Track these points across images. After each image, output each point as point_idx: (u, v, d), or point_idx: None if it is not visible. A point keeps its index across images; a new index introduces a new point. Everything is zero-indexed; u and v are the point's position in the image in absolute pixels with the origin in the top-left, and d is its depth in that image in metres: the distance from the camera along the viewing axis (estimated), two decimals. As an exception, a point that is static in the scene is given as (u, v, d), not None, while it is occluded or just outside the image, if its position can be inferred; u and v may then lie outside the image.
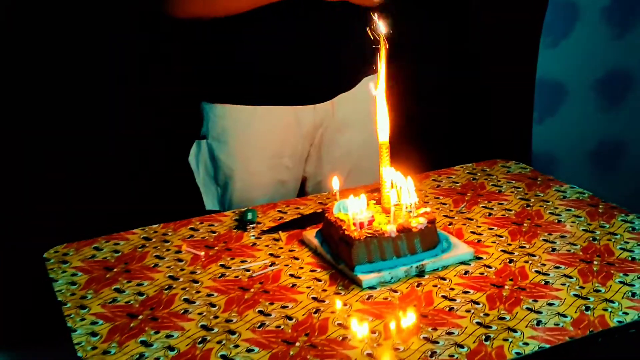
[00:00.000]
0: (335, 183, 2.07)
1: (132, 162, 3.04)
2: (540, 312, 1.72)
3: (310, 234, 2.10)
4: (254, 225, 2.19)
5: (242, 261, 2.01)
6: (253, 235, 2.14)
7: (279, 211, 2.30)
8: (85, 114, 2.92)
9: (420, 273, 1.91)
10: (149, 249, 2.08)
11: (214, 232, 2.17)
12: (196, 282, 1.91)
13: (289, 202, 2.36)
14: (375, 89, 1.91)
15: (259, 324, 1.71)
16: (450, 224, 2.18)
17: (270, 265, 1.97)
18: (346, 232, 1.90)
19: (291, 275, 1.93)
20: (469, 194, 2.38)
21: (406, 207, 1.94)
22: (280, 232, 2.16)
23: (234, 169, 2.26)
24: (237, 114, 2.23)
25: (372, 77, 1.85)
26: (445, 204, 2.31)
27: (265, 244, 2.09)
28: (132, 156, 3.03)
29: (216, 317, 1.75)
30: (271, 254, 2.03)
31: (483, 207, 2.28)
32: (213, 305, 1.80)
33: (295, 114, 2.25)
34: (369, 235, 1.88)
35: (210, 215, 2.28)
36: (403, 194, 1.96)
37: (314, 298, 1.82)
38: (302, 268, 1.96)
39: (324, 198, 2.38)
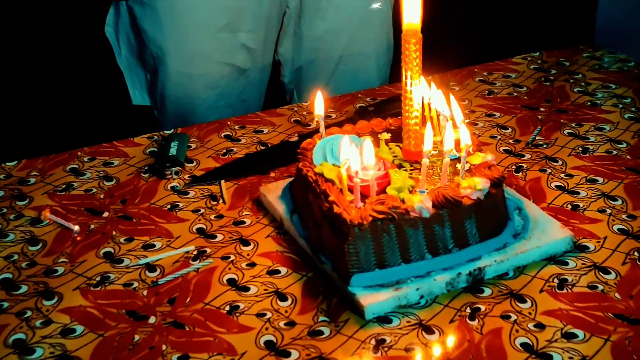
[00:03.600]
0: (318, 104, 1.12)
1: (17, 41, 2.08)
2: None
3: (273, 190, 1.18)
4: (179, 168, 1.26)
5: (146, 247, 1.09)
6: (176, 186, 1.22)
7: (227, 137, 1.37)
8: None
9: (475, 284, 1.00)
10: (-14, 215, 1.16)
11: (109, 180, 1.25)
12: (50, 296, 1.00)
13: (245, 118, 1.43)
14: None
15: (150, 420, 0.82)
16: (519, 168, 1.26)
17: (195, 258, 1.06)
18: (336, 209, 0.97)
19: (230, 283, 1.02)
20: (542, 109, 1.44)
21: (449, 154, 1.01)
22: (222, 181, 1.23)
23: (164, 47, 1.53)
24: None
25: None
26: (506, 129, 1.37)
27: (194, 208, 1.17)
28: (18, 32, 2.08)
29: (66, 396, 0.85)
30: (200, 231, 1.12)
31: (570, 134, 1.35)
32: (67, 363, 0.90)
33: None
34: (381, 214, 0.96)
35: (110, 144, 1.36)
36: (446, 131, 1.02)
37: (267, 346, 0.92)
38: (251, 266, 1.05)
39: (304, 113, 1.44)
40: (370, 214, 0.97)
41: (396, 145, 1.13)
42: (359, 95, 1.52)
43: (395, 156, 1.10)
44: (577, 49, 1.67)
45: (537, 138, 1.34)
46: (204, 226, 1.14)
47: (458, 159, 1.08)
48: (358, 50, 1.65)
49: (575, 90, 1.50)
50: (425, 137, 1.02)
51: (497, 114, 1.42)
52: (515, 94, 1.50)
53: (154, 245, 1.10)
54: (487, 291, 1.00)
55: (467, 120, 1.05)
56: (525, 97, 1.49)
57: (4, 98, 2.27)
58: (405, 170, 1.07)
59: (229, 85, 1.57)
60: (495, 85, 1.54)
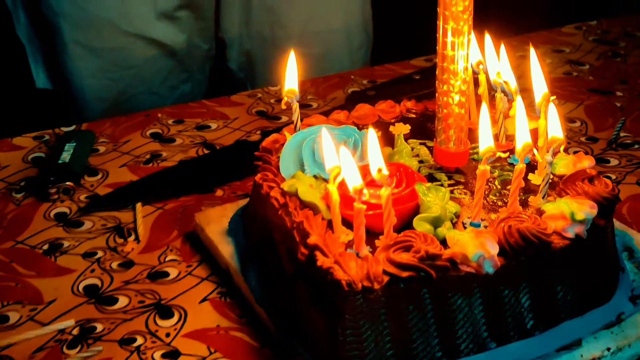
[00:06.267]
0: (290, 72, 0.67)
1: None
2: None
3: (217, 219, 0.72)
4: (70, 184, 0.80)
5: (-9, 322, 0.63)
6: (65, 213, 0.76)
7: (155, 136, 0.91)
8: None
9: (576, 393, 0.55)
10: None
11: (-42, 202, 0.79)
12: None
13: (185, 109, 0.98)
14: None
15: None
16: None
17: (74, 344, 0.60)
18: (321, 261, 0.51)
19: (130, 395, 0.56)
20: (619, 93, 0.99)
21: (525, 156, 0.55)
22: (139, 204, 0.77)
23: (57, 9, 1.14)
24: None
25: None
26: (573, 121, 0.93)
27: (88, 249, 0.72)
28: None
29: None
30: (90, 292, 0.66)
31: (666, 128, 0.91)
32: None
33: None
34: (405, 271, 0.50)
35: (-25, 147, 0.90)
36: (517, 115, 0.57)
37: None
38: (172, 357, 0.58)
39: (270, 101, 0.99)
40: (384, 269, 0.51)
41: (421, 144, 0.67)
42: (352, 77, 1.06)
43: (422, 161, 0.65)
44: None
45: (620, 135, 0.89)
46: (99, 282, 0.68)
47: (530, 167, 0.63)
48: (323, 27, 1.26)
49: (660, 67, 1.06)
50: (481, 126, 0.57)
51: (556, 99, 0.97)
52: (575, 73, 1.06)
53: (6, 319, 0.64)
54: (599, 409, 0.55)
55: (554, 97, 0.60)
56: (591, 78, 1.04)
57: None
58: (442, 185, 0.62)
59: (147, 65, 1.19)
60: (545, 62, 1.09)
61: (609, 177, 0.81)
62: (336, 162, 0.55)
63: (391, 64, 1.12)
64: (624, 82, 1.03)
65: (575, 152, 0.85)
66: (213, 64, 1.24)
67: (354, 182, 0.54)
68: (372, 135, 0.56)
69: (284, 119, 0.95)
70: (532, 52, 0.64)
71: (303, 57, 1.21)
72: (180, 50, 1.17)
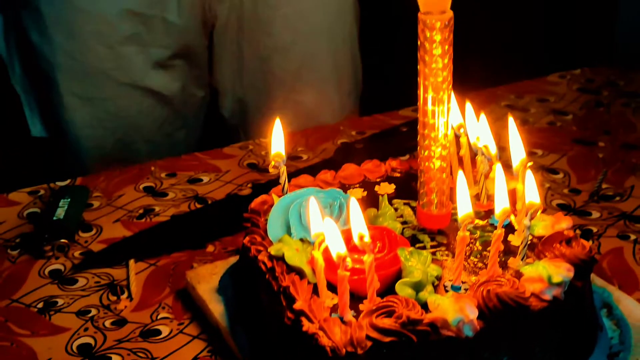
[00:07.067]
0: (276, 138, 0.69)
1: None
2: None
3: (207, 277, 0.74)
4: (64, 241, 0.82)
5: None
6: (59, 270, 0.78)
7: (148, 190, 0.94)
8: None
9: None
10: None
11: (-45, 260, 0.81)
12: None
13: (177, 162, 1.00)
14: None
15: None
16: (586, 233, 0.83)
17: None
18: (307, 326, 0.53)
19: None
20: (602, 143, 1.02)
21: (504, 219, 0.57)
22: (132, 261, 0.79)
23: (53, 61, 1.16)
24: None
25: None
26: (556, 172, 0.95)
27: (81, 307, 0.74)
28: None
29: None
30: (84, 351, 0.68)
31: (649, 179, 0.93)
32: None
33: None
34: (388, 336, 0.52)
35: (-29, 203, 0.91)
36: (496, 179, 0.59)
37: None
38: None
39: (262, 154, 1.02)
40: (368, 334, 0.53)
41: (405, 204, 0.69)
42: (340, 128, 1.09)
43: (406, 222, 0.67)
44: (631, 64, 1.25)
45: (602, 187, 0.91)
46: (92, 341, 0.69)
47: (510, 227, 0.65)
48: (315, 75, 1.28)
49: (645, 118, 1.09)
50: (458, 191, 0.59)
51: (539, 152, 1.00)
52: (559, 123, 1.08)
53: (-4, 382, 0.65)
54: None
55: (531, 163, 0.62)
56: (575, 128, 1.06)
57: None
58: (424, 247, 0.64)
59: (142, 114, 1.21)
60: (529, 112, 1.12)
61: (590, 231, 0.83)
62: (321, 229, 0.57)
63: (380, 114, 1.14)
64: (607, 132, 1.05)
65: (558, 205, 0.88)
66: (207, 110, 1.27)
67: (338, 250, 0.56)
68: (354, 204, 0.58)
69: (275, 170, 0.98)
70: (511, 120, 0.66)
71: (294, 104, 1.24)
72: (175, 99, 1.19)
